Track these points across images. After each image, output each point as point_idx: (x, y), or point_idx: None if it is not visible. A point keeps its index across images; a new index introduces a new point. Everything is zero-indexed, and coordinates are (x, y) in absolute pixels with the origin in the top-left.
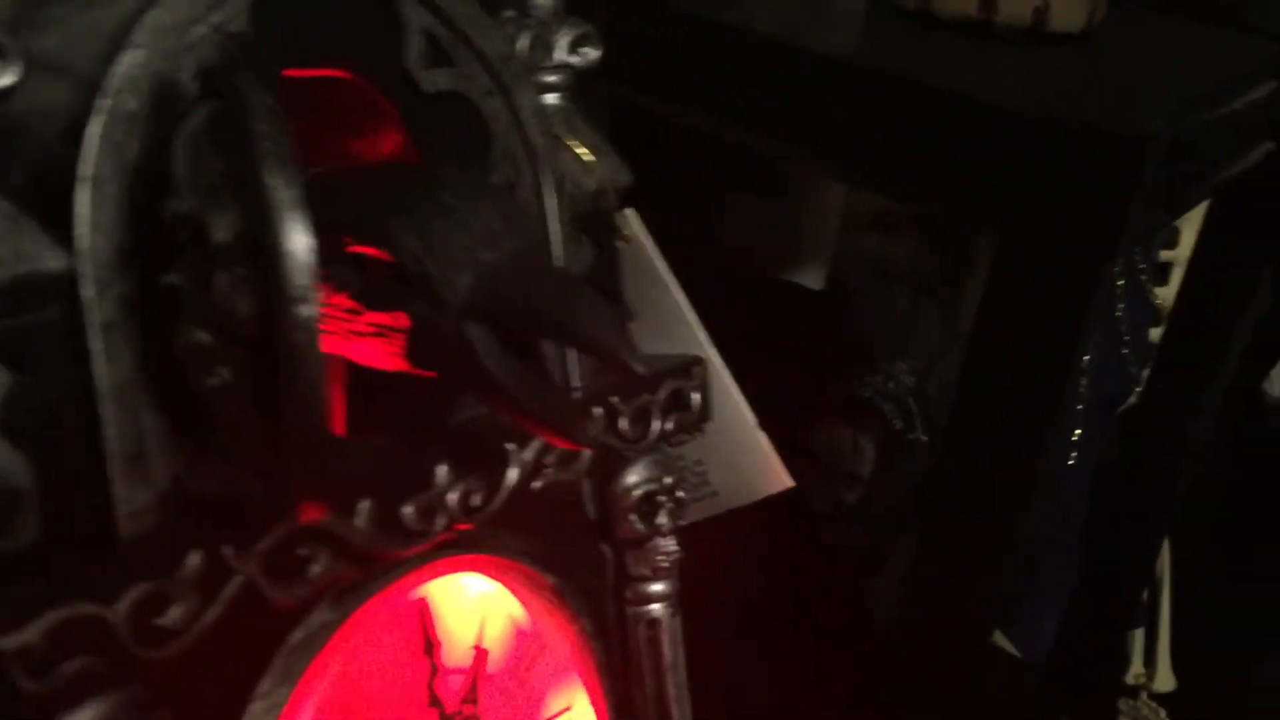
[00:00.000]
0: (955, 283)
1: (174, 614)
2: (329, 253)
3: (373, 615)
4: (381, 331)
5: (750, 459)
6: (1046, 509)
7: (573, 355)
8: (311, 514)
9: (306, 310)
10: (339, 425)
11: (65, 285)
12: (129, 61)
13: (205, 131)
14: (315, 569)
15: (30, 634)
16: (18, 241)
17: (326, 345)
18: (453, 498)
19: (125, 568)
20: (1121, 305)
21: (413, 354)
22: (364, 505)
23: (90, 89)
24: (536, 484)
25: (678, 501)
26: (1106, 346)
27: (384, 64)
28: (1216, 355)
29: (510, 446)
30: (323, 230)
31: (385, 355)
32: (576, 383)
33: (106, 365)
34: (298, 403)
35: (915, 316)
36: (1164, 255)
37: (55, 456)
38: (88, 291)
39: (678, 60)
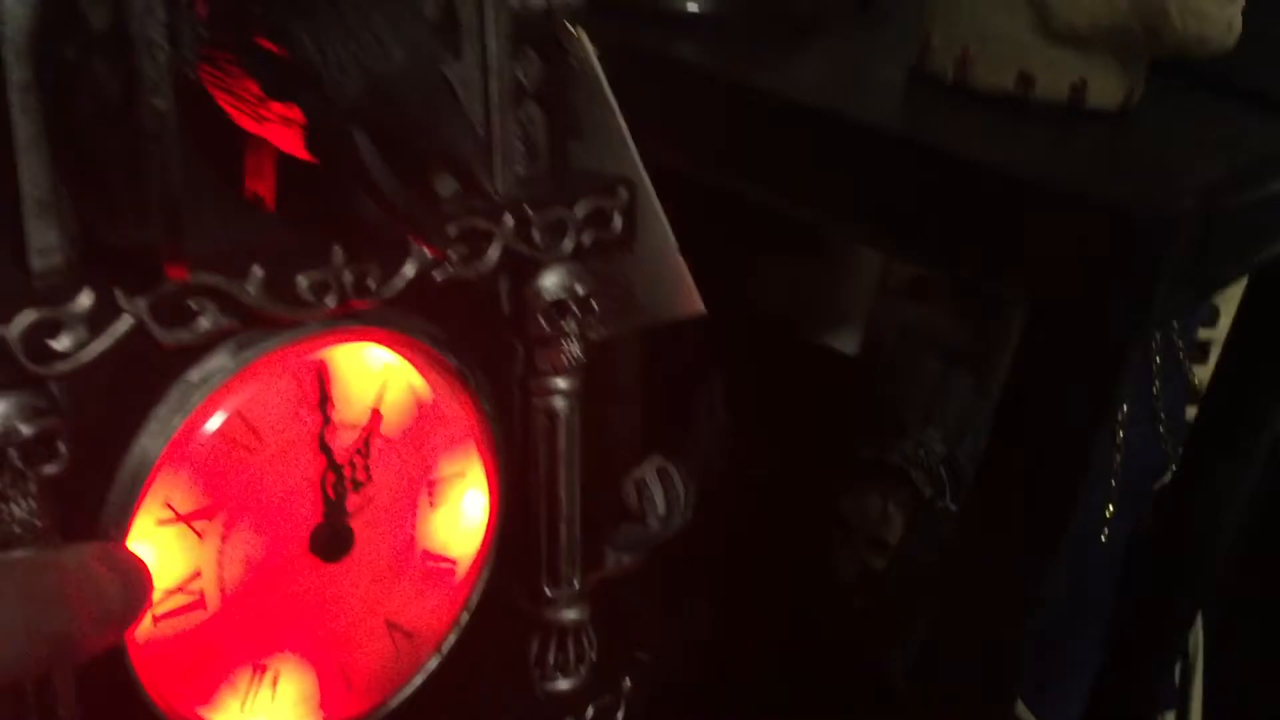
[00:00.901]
0: (989, 352)
1: (64, 340)
2: (243, 42)
3: (270, 367)
4: (284, 121)
5: (670, 280)
6: (1077, 585)
7: None
8: (176, 274)
9: (158, 100)
10: (267, 196)
11: None
12: None
13: None
14: (204, 322)
15: None
16: None
17: (246, 125)
18: (348, 276)
19: (30, 296)
20: (1157, 383)
21: (308, 145)
22: (257, 271)
23: None
24: (437, 275)
25: (588, 310)
26: (1142, 423)
27: None
28: (1253, 435)
29: (411, 240)
30: (238, 21)
31: (291, 142)
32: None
33: (22, 120)
34: (151, 176)
35: (947, 384)
36: (1203, 334)
37: None
38: (7, 54)
39: (715, 125)
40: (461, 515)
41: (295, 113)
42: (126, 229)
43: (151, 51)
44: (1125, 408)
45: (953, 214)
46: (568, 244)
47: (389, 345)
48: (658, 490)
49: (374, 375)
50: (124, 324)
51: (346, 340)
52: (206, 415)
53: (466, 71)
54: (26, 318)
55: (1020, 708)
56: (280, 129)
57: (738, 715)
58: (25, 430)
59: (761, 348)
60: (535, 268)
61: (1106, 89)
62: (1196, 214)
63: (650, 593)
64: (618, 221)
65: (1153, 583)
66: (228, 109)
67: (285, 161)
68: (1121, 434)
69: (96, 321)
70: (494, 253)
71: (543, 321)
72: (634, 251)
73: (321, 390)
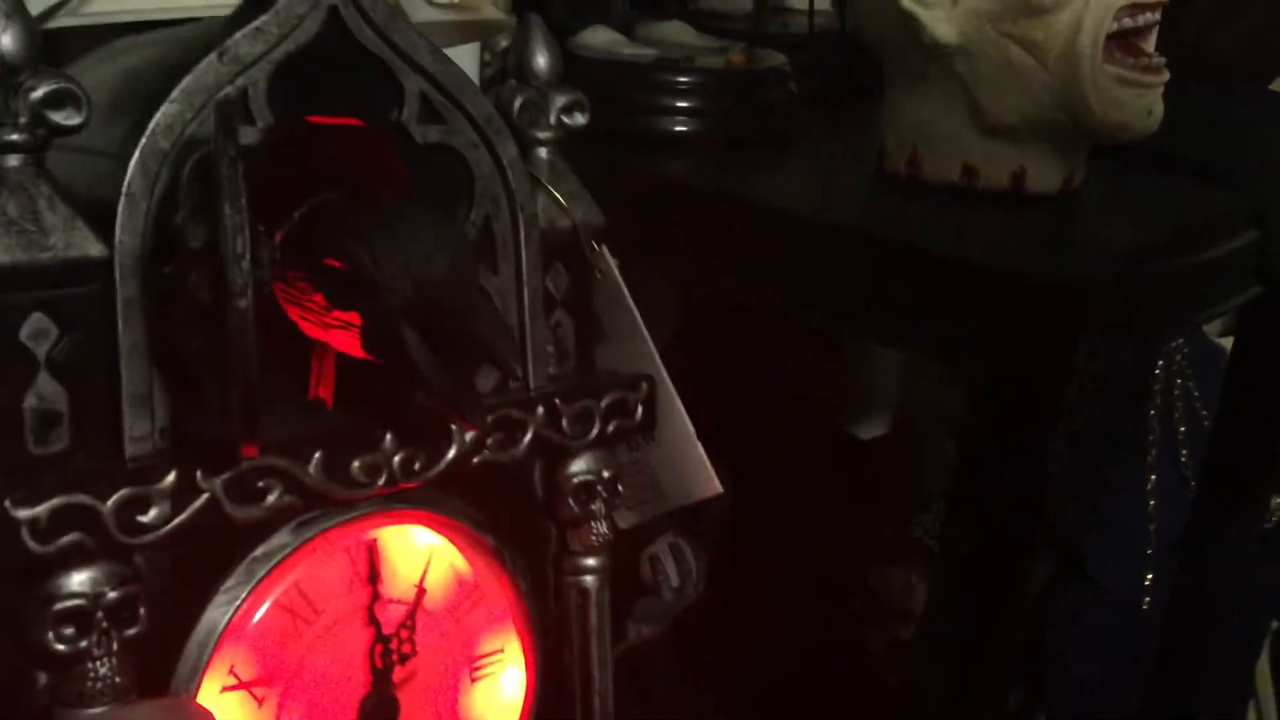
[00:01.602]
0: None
1: (151, 514)
2: (312, 262)
3: (327, 545)
4: (345, 326)
5: (690, 465)
6: (1122, 652)
7: None
8: (249, 452)
9: (242, 301)
10: (328, 396)
11: (103, 269)
12: (165, 112)
13: (197, 169)
14: (271, 499)
15: (39, 510)
16: (72, 235)
17: (311, 332)
18: (397, 460)
19: (122, 476)
20: (1185, 450)
21: (366, 344)
22: (317, 455)
23: (137, 131)
24: (477, 459)
25: (613, 492)
26: (1173, 490)
27: (385, 119)
28: (1257, 486)
29: (454, 428)
30: (309, 245)
31: (351, 345)
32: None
33: (124, 329)
34: (234, 367)
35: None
36: None
37: (85, 392)
38: (117, 275)
39: (704, 233)
40: (500, 690)
41: (354, 317)
42: (209, 416)
43: (238, 263)
44: (1154, 478)
45: (906, 296)
46: (594, 431)
47: (433, 526)
48: (670, 564)
49: (419, 553)
50: (202, 500)
51: (395, 521)
52: (269, 589)
53: (503, 284)
54: (120, 494)
55: None
56: (342, 334)
57: None
58: (112, 595)
59: (789, 438)
60: (565, 454)
61: (1045, 174)
62: (1120, 277)
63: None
64: (639, 411)
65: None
66: (297, 319)
67: (342, 367)
68: (1152, 503)
69: (178, 498)
70: (527, 439)
71: (572, 503)
72: (656, 441)
73: (372, 566)
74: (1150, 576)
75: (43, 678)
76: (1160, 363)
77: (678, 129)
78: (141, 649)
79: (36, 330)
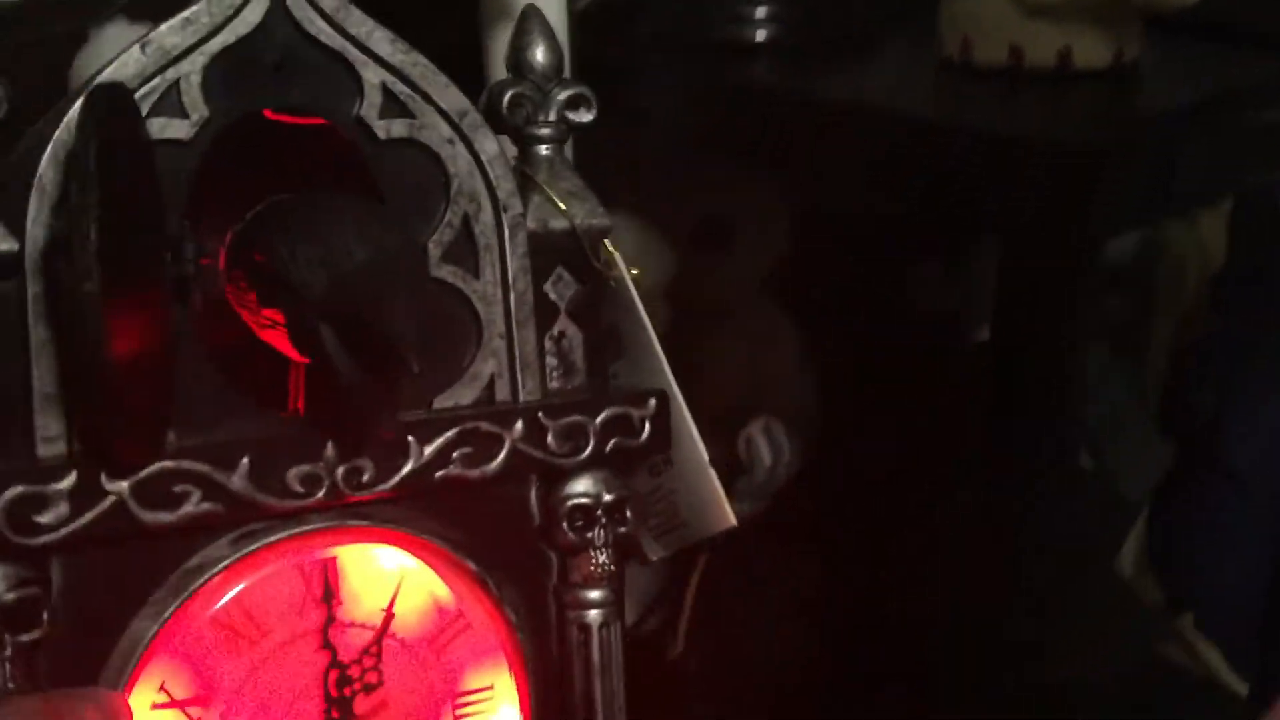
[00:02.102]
0: (1143, 341)
1: (49, 515)
2: (246, 260)
3: (273, 560)
4: (274, 325)
5: (703, 496)
6: (1263, 553)
7: None
8: (121, 448)
9: (88, 285)
10: (291, 402)
11: (14, 262)
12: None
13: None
14: (188, 505)
15: None
16: None
17: (261, 336)
18: (340, 471)
19: (16, 474)
20: None
21: (292, 341)
22: (244, 460)
23: (53, 124)
24: (441, 474)
25: (617, 519)
26: None
27: (345, 114)
28: None
29: (411, 439)
30: (245, 244)
31: (285, 345)
32: None
33: (34, 326)
34: (86, 358)
35: (1101, 372)
36: None
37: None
38: (27, 269)
39: (788, 137)
40: None
41: (279, 316)
42: (90, 413)
43: (84, 242)
44: None
45: (962, 177)
46: (588, 450)
47: (405, 547)
48: (764, 445)
49: (388, 576)
50: (108, 503)
51: (357, 539)
52: (205, 602)
53: (485, 288)
54: (13, 492)
55: (1190, 628)
56: (276, 334)
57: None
58: (7, 597)
59: (911, 350)
60: (562, 475)
61: (1092, 50)
62: (1132, 143)
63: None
64: (645, 429)
65: None
66: (249, 323)
67: (314, 375)
68: None
69: (80, 500)
70: (501, 455)
71: (568, 529)
72: (673, 467)
73: (326, 586)
74: None
75: None
76: None
77: (757, 37)
78: (58, 657)
79: None
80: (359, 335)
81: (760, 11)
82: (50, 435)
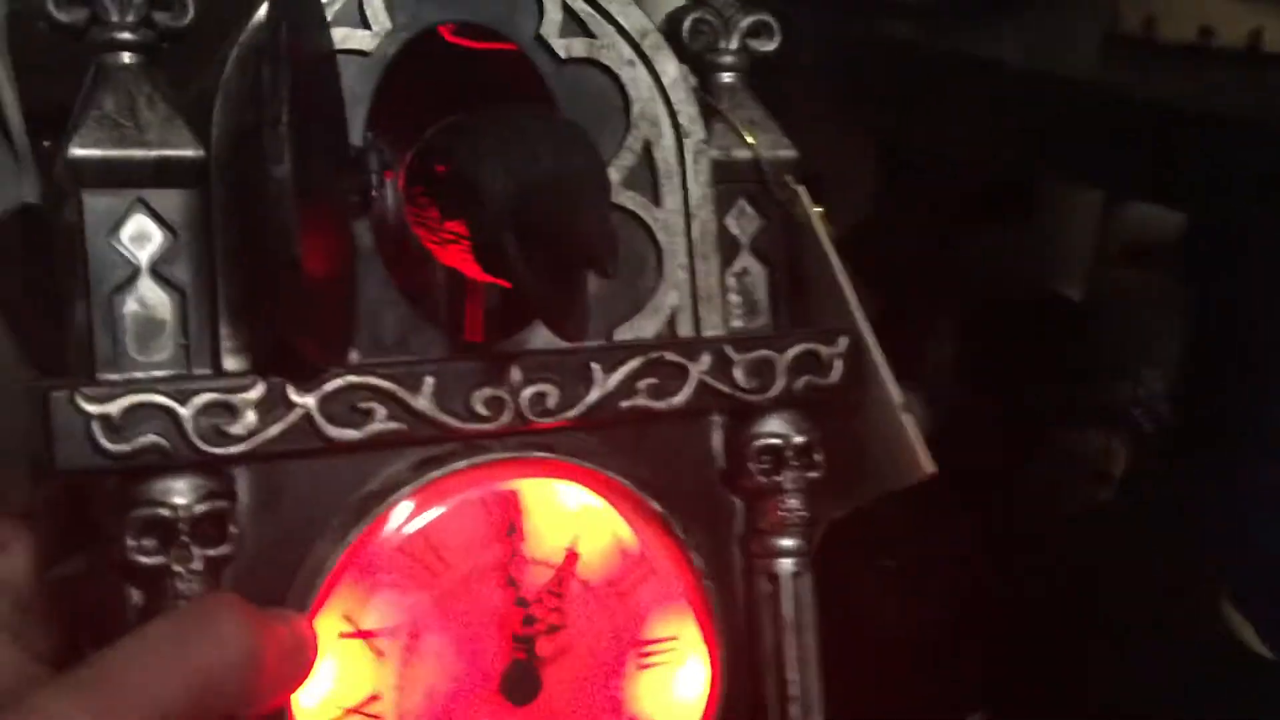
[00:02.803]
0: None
1: (236, 426)
2: (426, 172)
3: (456, 488)
4: (457, 239)
5: (896, 442)
6: None
7: None
8: (303, 346)
9: (278, 170)
10: (476, 333)
11: (200, 169)
12: (265, 8)
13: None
14: (374, 423)
15: (112, 408)
16: (168, 133)
17: (439, 255)
18: (525, 395)
19: (205, 382)
20: None
21: (475, 255)
22: (429, 379)
23: (237, 31)
24: (626, 404)
25: (808, 461)
26: None
27: (524, 32)
28: None
29: (595, 367)
30: (426, 159)
31: (467, 262)
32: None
33: (221, 233)
34: (273, 247)
35: (1165, 328)
36: None
37: (188, 299)
38: (212, 175)
39: (940, 96)
40: (676, 684)
41: (462, 228)
42: (281, 316)
43: (275, 125)
44: None
45: (1151, 152)
46: (776, 387)
47: (588, 484)
48: None
49: (571, 514)
50: (295, 415)
51: (540, 473)
52: (383, 529)
53: (668, 217)
54: (201, 399)
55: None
56: (457, 250)
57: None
58: (196, 509)
59: (990, 303)
60: (750, 413)
61: None
62: None
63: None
64: (836, 368)
65: None
66: (427, 244)
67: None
68: None
69: (267, 410)
70: (687, 388)
71: (755, 471)
72: (861, 414)
73: (510, 520)
74: None
75: (134, 595)
76: None
77: None
78: (242, 578)
79: (139, 233)
80: (545, 245)
81: None
82: (236, 346)
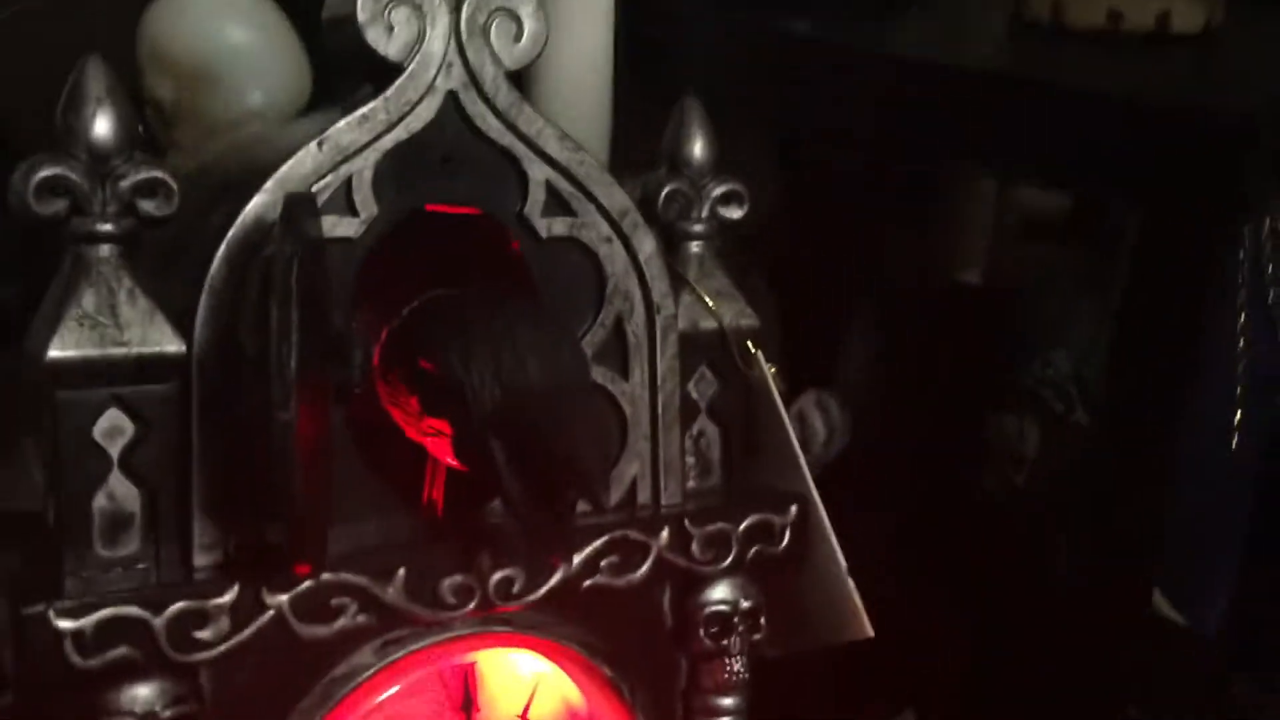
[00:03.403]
0: (1107, 275)
1: (209, 631)
2: (407, 364)
3: (417, 667)
4: (438, 434)
5: (840, 603)
6: (1208, 490)
7: None
8: (302, 571)
9: (284, 415)
10: (433, 508)
11: (181, 367)
12: (256, 203)
13: (263, 267)
14: (344, 619)
15: (84, 622)
16: (149, 330)
17: (414, 437)
18: (493, 581)
19: (176, 590)
20: (1273, 291)
21: (457, 454)
22: (400, 572)
23: (227, 222)
24: (588, 583)
25: (753, 626)
26: (1259, 331)
27: (507, 211)
28: None
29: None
30: (406, 346)
31: (445, 452)
32: None
33: (198, 430)
34: (279, 483)
35: (1071, 307)
36: None
37: (158, 494)
38: (194, 373)
39: (839, 91)
40: None
41: (445, 425)
42: (266, 529)
43: (282, 373)
44: (1243, 318)
45: (1062, 138)
46: (729, 558)
47: (540, 652)
48: (818, 419)
49: (524, 682)
50: (266, 617)
51: (496, 644)
52: (349, 711)
53: (634, 389)
54: (175, 608)
55: (1158, 599)
56: (436, 441)
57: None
58: (164, 715)
59: (899, 294)
60: (700, 581)
61: (1188, 15)
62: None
63: None
64: (785, 537)
65: None
66: (400, 423)
67: (454, 476)
68: (1243, 341)
69: (240, 614)
70: (648, 564)
71: (704, 636)
72: (805, 570)
73: (466, 694)
74: (1239, 414)
75: None
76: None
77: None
78: None
79: (111, 427)
80: (531, 458)
81: None
82: (207, 543)
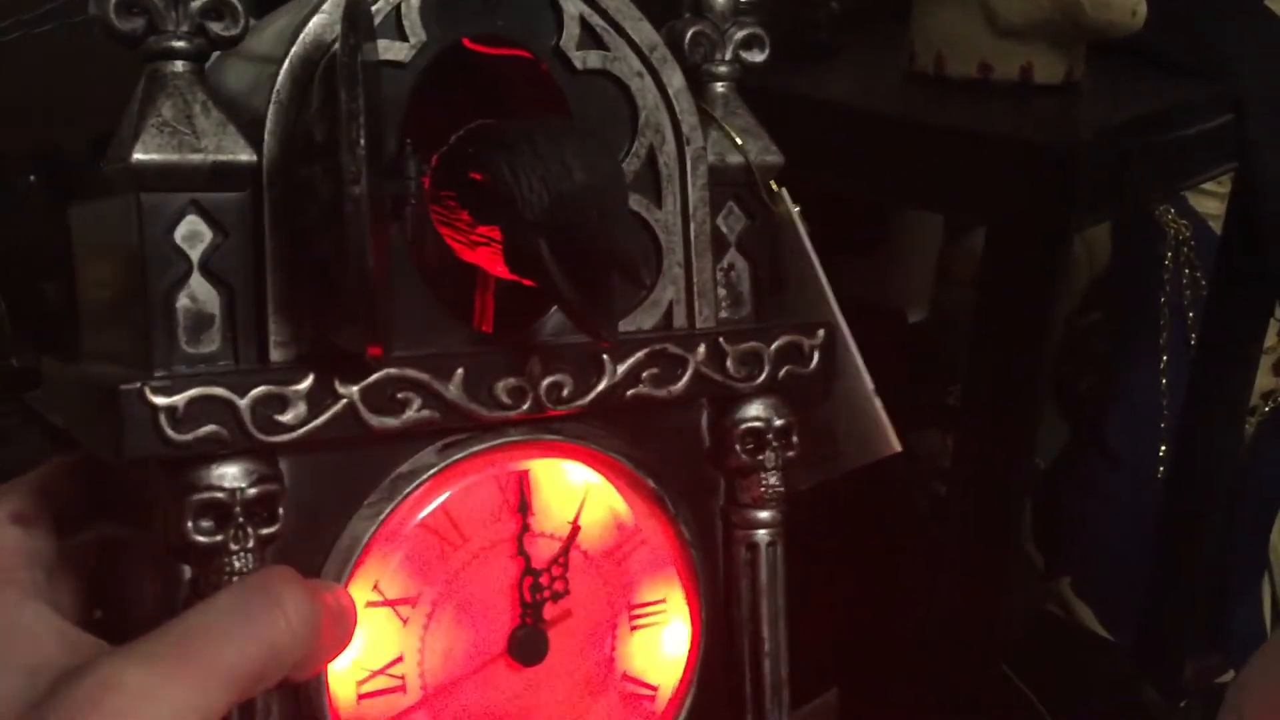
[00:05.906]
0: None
1: (288, 415)
2: (458, 179)
3: (475, 470)
4: (488, 242)
5: (867, 422)
6: (1133, 521)
7: None
8: (374, 352)
9: (356, 188)
10: (490, 327)
11: (253, 174)
12: (316, 21)
13: (325, 68)
14: (409, 411)
15: (177, 399)
16: (223, 139)
17: (463, 254)
18: (544, 384)
19: (260, 375)
20: (1193, 333)
21: (506, 259)
22: (459, 371)
23: (291, 39)
24: (631, 393)
25: (786, 442)
26: (1182, 369)
27: (544, 45)
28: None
29: (606, 358)
30: (456, 162)
31: (495, 263)
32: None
33: (271, 234)
34: (351, 258)
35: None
36: None
37: (235, 295)
38: (264, 179)
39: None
40: (662, 642)
41: (495, 233)
42: (337, 314)
43: (353, 148)
44: (1165, 358)
45: (937, 168)
46: (762, 376)
47: (589, 463)
48: None
49: (574, 490)
50: (339, 405)
51: (548, 454)
52: (414, 507)
53: (667, 218)
54: (257, 391)
55: (1066, 589)
56: (487, 251)
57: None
58: (250, 492)
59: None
60: (735, 400)
61: (1049, 68)
62: (1107, 145)
63: None
64: (815, 358)
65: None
66: (450, 242)
67: (504, 293)
68: (1165, 380)
69: (315, 401)
70: (686, 377)
71: (739, 451)
72: (832, 397)
73: (522, 497)
74: (1164, 449)
75: (186, 571)
76: (1169, 253)
77: None
78: (284, 553)
79: (190, 232)
80: (578, 251)
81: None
82: (282, 340)
